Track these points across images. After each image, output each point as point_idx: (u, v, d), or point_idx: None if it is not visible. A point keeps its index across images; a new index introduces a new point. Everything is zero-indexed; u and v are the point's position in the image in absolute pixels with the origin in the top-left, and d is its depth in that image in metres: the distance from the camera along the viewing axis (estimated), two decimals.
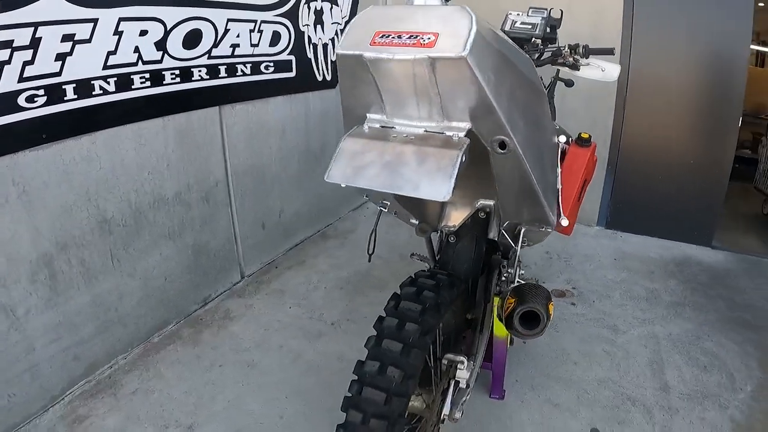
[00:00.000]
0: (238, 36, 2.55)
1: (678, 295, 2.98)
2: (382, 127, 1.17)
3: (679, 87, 3.50)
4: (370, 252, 1.81)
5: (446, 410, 1.49)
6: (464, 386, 1.53)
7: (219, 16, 2.42)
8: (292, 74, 3.05)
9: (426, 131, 1.12)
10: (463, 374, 1.50)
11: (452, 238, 1.67)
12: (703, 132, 3.54)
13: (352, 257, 3.37)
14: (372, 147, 1.10)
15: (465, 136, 1.09)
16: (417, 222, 1.66)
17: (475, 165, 1.14)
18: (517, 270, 1.57)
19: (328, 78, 3.41)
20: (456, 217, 1.64)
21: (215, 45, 2.43)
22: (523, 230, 1.56)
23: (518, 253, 1.55)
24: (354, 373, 1.20)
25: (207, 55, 2.40)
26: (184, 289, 2.56)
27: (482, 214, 1.60)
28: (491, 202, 1.56)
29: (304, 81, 3.20)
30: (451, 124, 1.10)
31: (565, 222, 1.55)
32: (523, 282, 1.41)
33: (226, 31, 2.47)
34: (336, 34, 3.39)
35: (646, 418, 1.99)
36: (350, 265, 3.26)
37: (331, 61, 3.41)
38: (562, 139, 1.68)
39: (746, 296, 2.99)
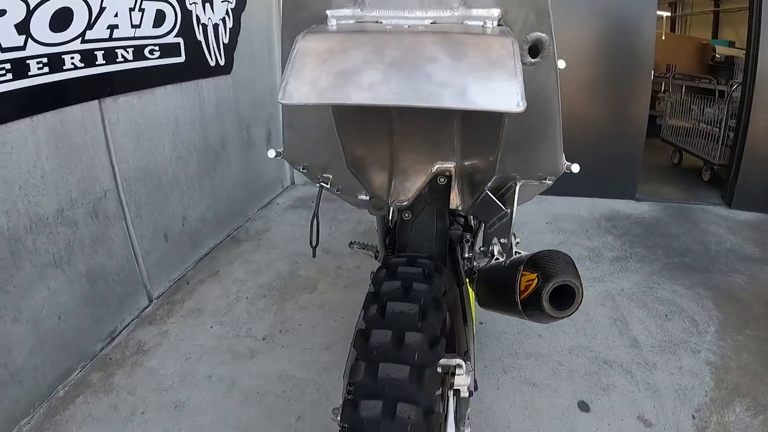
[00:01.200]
0: (116, 15, 2.11)
1: (618, 249, 3.05)
2: (357, 23, 0.81)
3: (595, 51, 3.61)
4: (314, 244, 1.46)
5: (451, 428, 1.23)
6: (466, 394, 1.27)
7: None
8: (181, 59, 2.64)
9: (435, 23, 0.78)
10: (462, 380, 1.23)
11: (407, 214, 1.37)
12: (618, 91, 3.71)
13: (270, 259, 3.05)
14: (358, 42, 0.70)
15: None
16: (368, 197, 1.29)
17: (431, 119, 0.87)
18: (512, 239, 1.30)
19: (222, 62, 3.02)
20: (409, 188, 1.33)
21: (89, 26, 1.98)
22: (518, 186, 1.22)
23: (514, 215, 1.23)
24: (342, 423, 0.86)
25: (80, 39, 1.95)
26: (84, 325, 2.10)
27: (442, 179, 1.31)
28: (451, 165, 1.28)
29: (195, 66, 2.79)
30: (473, 12, 0.78)
31: (575, 167, 1.16)
32: (537, 252, 1.10)
33: (102, 9, 2.03)
34: (227, 13, 3.01)
35: (627, 379, 1.95)
36: (270, 269, 2.94)
37: (223, 43, 3.02)
38: (562, 64, 1.35)
39: (681, 241, 3.15)
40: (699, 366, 2.04)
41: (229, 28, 3.09)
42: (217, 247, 3.18)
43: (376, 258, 1.92)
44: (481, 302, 1.32)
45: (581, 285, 0.97)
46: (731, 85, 4.40)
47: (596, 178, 3.84)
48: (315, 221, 1.37)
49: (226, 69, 3.09)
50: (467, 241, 1.60)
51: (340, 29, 0.76)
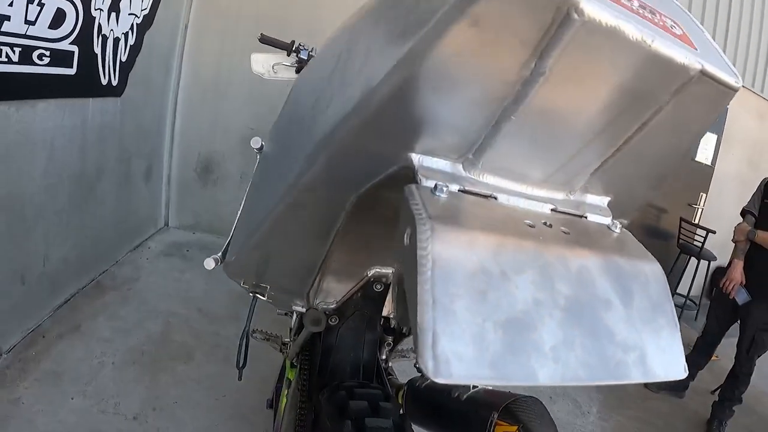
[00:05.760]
0: (10, 5, 1.71)
1: None
2: (463, 191, 0.57)
3: None
4: (240, 365, 1.27)
5: None
6: None
7: None
8: (72, 71, 2.23)
9: (554, 210, 0.62)
10: None
11: (333, 319, 1.19)
12: None
13: (140, 317, 2.61)
14: (515, 258, 0.49)
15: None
16: (304, 307, 1.12)
17: (370, 221, 0.75)
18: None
19: (114, 82, 2.62)
20: (339, 290, 1.13)
21: None
22: None
23: None
24: None
25: None
26: None
27: (378, 286, 1.12)
28: (389, 271, 1.09)
29: (86, 83, 2.38)
30: (588, 199, 0.66)
31: None
32: (515, 396, 0.97)
33: None
34: (131, 28, 2.64)
35: None
36: (140, 329, 2.51)
37: (121, 61, 2.63)
38: None
39: None
40: None
41: (130, 45, 2.71)
42: (79, 293, 2.64)
43: (281, 352, 1.71)
44: (414, 419, 1.16)
45: None
46: None
47: None
48: (245, 340, 1.24)
49: (117, 90, 2.69)
50: (388, 344, 1.42)
51: (464, 213, 0.53)
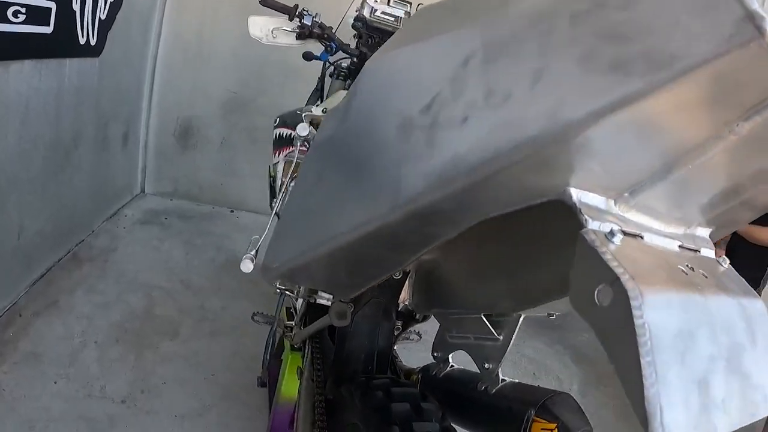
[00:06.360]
0: None
1: None
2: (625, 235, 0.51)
3: None
4: (263, 378, 1.24)
5: None
6: None
7: None
8: (49, 30, 2.05)
9: (681, 247, 0.59)
10: None
11: (349, 307, 1.15)
12: None
13: (120, 290, 2.50)
14: (700, 310, 0.48)
15: None
16: (331, 302, 1.09)
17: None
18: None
19: (93, 42, 2.44)
20: (366, 283, 1.12)
21: None
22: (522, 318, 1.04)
23: (511, 344, 0.99)
24: None
25: None
26: None
27: (397, 274, 1.14)
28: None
29: (63, 42, 2.20)
30: (698, 233, 0.64)
31: None
32: (550, 391, 0.94)
33: None
34: None
35: None
36: (121, 303, 2.41)
37: (100, 19, 2.45)
38: None
39: None
40: None
41: (110, 2, 2.52)
42: (56, 266, 2.50)
43: (284, 336, 1.68)
44: None
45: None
46: None
47: None
48: (270, 350, 1.30)
49: (95, 50, 2.51)
50: (397, 329, 1.38)
51: (643, 264, 0.48)
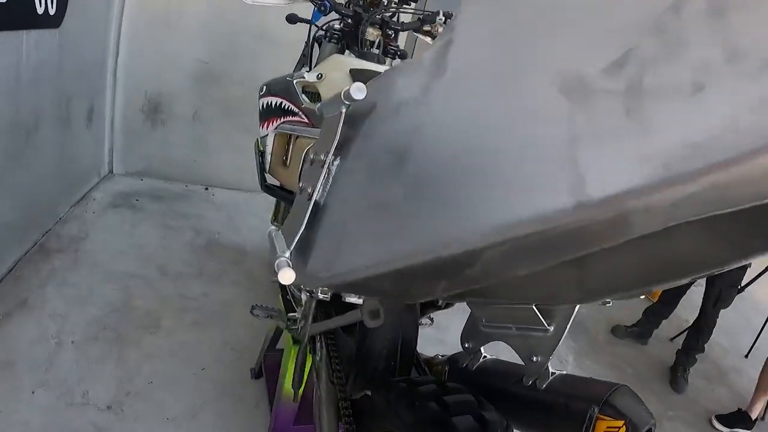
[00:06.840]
0: None
1: None
2: None
3: None
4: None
5: None
6: None
7: None
8: None
9: None
10: None
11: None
12: None
13: (94, 282, 2.34)
14: None
15: None
16: (361, 300, 0.97)
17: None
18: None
19: (52, 11, 2.21)
20: None
21: None
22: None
23: (564, 335, 0.88)
24: None
25: None
26: None
27: None
28: None
29: (20, 12, 1.98)
30: None
31: None
32: (612, 385, 0.87)
33: None
34: None
35: None
36: (97, 297, 2.25)
37: None
38: None
39: None
40: None
41: None
42: (23, 260, 2.32)
43: (287, 329, 1.60)
44: None
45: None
46: None
47: None
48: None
49: (55, 21, 2.27)
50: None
51: None
